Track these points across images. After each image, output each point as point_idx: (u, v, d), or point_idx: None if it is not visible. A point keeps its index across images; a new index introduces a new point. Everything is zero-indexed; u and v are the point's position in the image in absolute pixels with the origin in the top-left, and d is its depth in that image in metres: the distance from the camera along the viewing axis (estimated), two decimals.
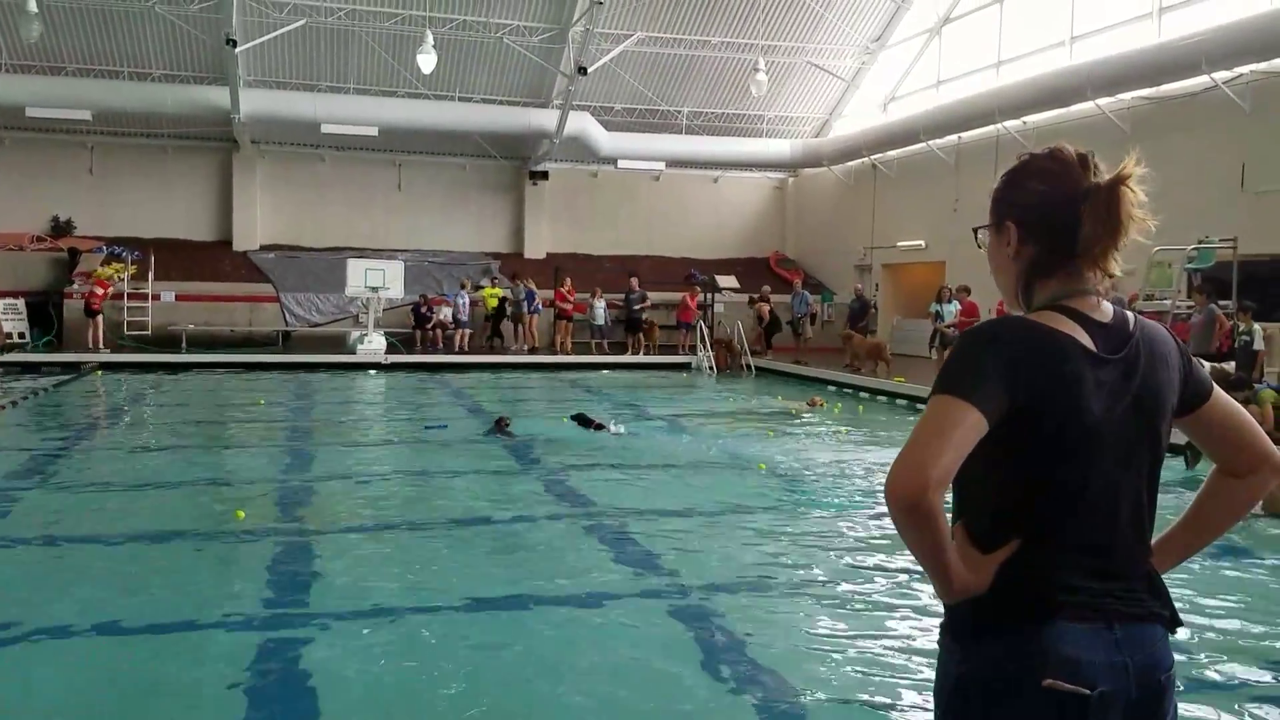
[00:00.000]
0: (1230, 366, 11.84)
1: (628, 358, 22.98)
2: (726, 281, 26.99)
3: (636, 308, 23.49)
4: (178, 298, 23.14)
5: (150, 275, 22.72)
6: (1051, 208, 1.84)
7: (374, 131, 23.74)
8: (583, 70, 22.00)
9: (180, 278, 23.53)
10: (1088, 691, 1.71)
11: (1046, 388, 1.74)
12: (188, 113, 23.35)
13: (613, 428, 12.24)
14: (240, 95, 22.16)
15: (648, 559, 6.74)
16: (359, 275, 21.77)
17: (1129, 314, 1.87)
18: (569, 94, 23.25)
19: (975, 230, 1.99)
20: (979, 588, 1.79)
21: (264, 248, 25.79)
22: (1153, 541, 1.93)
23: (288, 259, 25.14)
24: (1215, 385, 1.94)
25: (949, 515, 1.81)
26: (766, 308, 23.48)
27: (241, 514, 7.59)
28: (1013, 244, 1.89)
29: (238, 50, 20.62)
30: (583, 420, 12.37)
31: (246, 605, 5.56)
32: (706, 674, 4.76)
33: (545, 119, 24.54)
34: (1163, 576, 1.91)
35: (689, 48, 25.13)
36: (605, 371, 21.47)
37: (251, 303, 23.79)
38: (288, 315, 23.48)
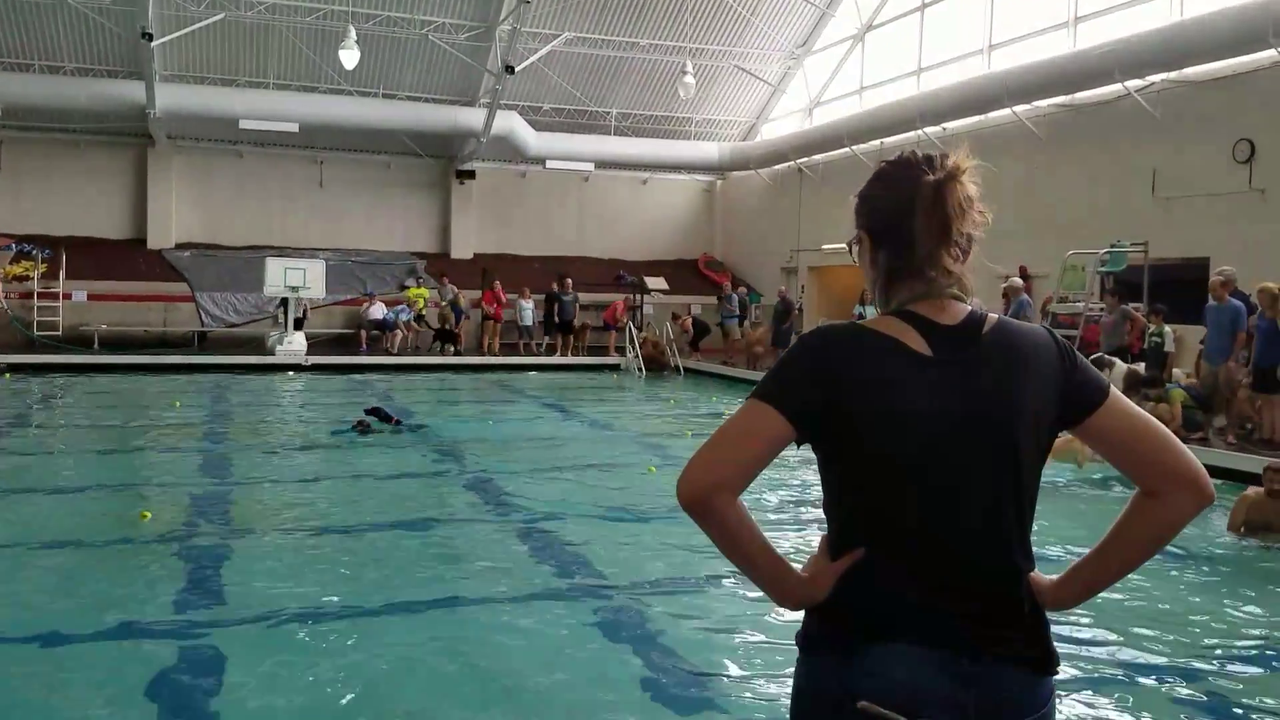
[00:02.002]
0: (1141, 367, 12.16)
1: (556, 359, 22.87)
2: (655, 283, 27.03)
3: (569, 311, 23.37)
4: (90, 297, 22.39)
5: (61, 274, 21.95)
6: (890, 212, 1.76)
7: (294, 128, 23.26)
8: (510, 69, 21.84)
9: (93, 276, 22.76)
10: (902, 719, 1.58)
11: (863, 395, 1.64)
12: (101, 107, 22.61)
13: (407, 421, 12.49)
14: (156, 90, 21.51)
15: (569, 558, 6.71)
16: (278, 275, 21.28)
17: (992, 316, 1.74)
18: (496, 93, 23.06)
19: (849, 244, 1.91)
20: (814, 598, 1.72)
21: (180, 246, 25.09)
22: (1059, 573, 1.78)
23: (204, 258, 24.49)
24: (1115, 393, 1.73)
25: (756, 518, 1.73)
26: (688, 320, 23.71)
27: (147, 515, 7.36)
28: (868, 252, 1.82)
29: (154, 44, 20.04)
30: (381, 415, 12.40)
31: (157, 611, 5.40)
32: (631, 670, 4.76)
33: (472, 118, 24.31)
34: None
35: (617, 49, 25.11)
36: (533, 373, 21.35)
37: (166, 302, 23.13)
38: (204, 315, 22.87)
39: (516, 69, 22.04)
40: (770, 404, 1.66)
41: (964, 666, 1.63)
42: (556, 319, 23.37)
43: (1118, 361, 11.78)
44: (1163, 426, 1.73)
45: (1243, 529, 7.40)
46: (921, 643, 1.63)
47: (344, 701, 4.30)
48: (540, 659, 4.84)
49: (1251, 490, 7.61)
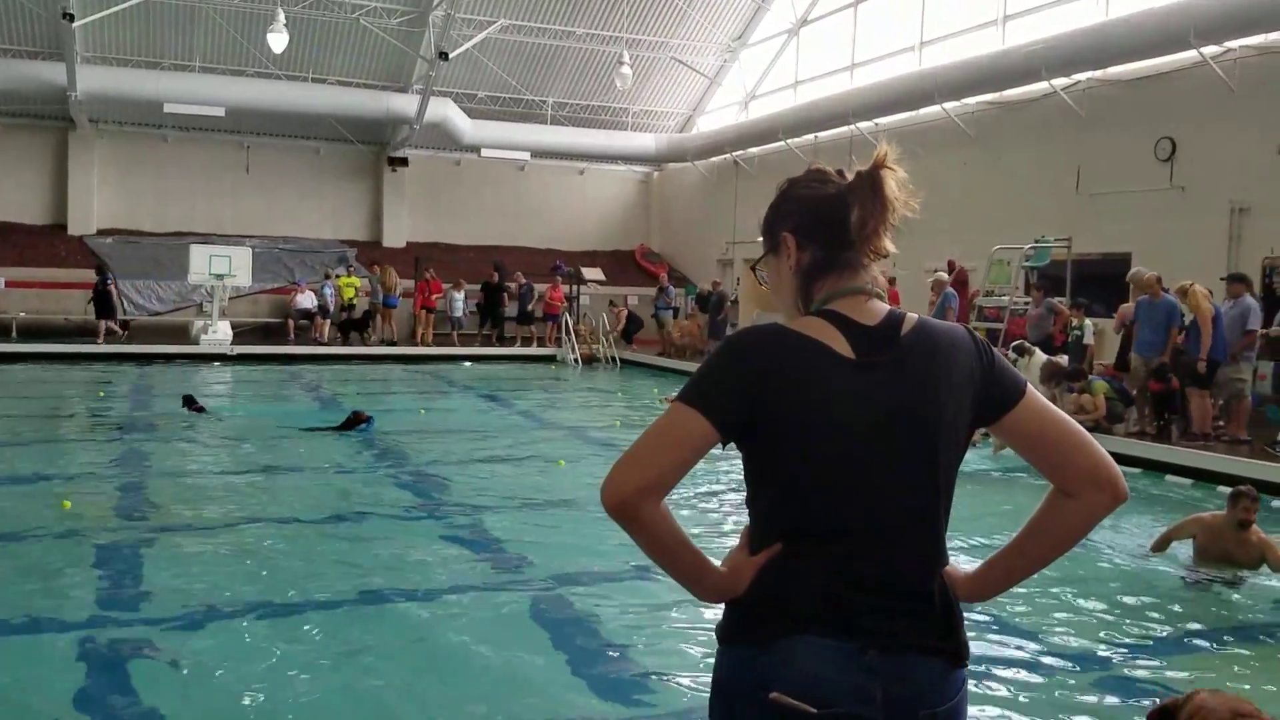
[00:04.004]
0: (1064, 360, 12.43)
1: (493, 350, 22.70)
2: (592, 274, 26.94)
3: (527, 300, 23.20)
4: (7, 284, 21.70)
5: None
6: (822, 204, 1.80)
7: (221, 112, 22.70)
8: (444, 55, 21.56)
9: (10, 263, 22.09)
10: (813, 710, 1.61)
11: (787, 397, 1.66)
12: (20, 89, 21.82)
13: (211, 410, 12.54)
14: (77, 72, 20.85)
15: (495, 550, 6.67)
16: (203, 262, 20.78)
17: (911, 316, 1.77)
18: (429, 79, 22.75)
19: (753, 269, 1.93)
20: (733, 591, 1.74)
21: (101, 232, 24.40)
22: (975, 565, 1.83)
23: (127, 244, 23.84)
24: (1031, 392, 1.76)
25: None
26: (624, 311, 23.68)
27: (68, 503, 7.18)
28: (792, 254, 1.82)
29: (75, 25, 19.42)
30: (188, 401, 12.44)
31: (75, 607, 5.26)
32: (557, 660, 4.76)
33: (405, 104, 23.96)
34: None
35: (553, 37, 24.95)
36: (468, 364, 21.16)
37: (88, 290, 22.43)
38: (126, 303, 22.27)
39: (451, 55, 21.78)
40: (695, 408, 1.67)
41: (873, 659, 1.65)
42: (513, 311, 23.21)
43: (1038, 350, 12.02)
44: (1078, 425, 1.76)
45: (1196, 558, 6.54)
46: (831, 635, 1.65)
47: (268, 697, 4.20)
48: (469, 649, 4.80)
49: (1209, 515, 6.74)
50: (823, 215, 1.79)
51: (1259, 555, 6.31)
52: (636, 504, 1.65)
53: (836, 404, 1.67)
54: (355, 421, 11.43)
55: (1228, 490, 9.27)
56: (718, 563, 1.79)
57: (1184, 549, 6.76)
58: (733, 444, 1.73)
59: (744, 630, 1.72)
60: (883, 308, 1.77)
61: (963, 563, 1.87)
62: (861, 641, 1.65)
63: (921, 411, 1.69)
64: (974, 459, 9.70)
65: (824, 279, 1.79)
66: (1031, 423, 1.74)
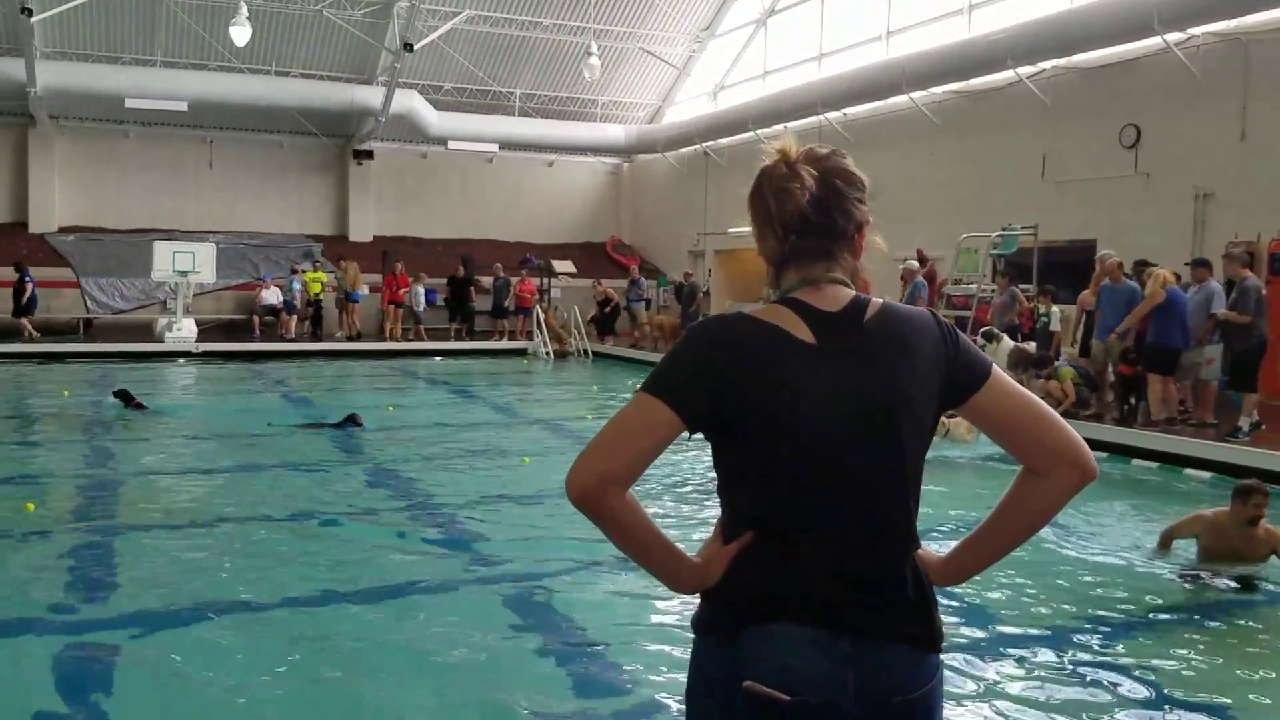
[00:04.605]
0: (1031, 347, 12.51)
1: (463, 344, 22.57)
2: (563, 266, 26.84)
3: (503, 295, 23.11)
4: None
5: None
6: (776, 195, 1.77)
7: (183, 107, 22.40)
8: (409, 47, 21.36)
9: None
10: (786, 699, 1.62)
11: (750, 384, 1.66)
12: None
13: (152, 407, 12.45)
14: (36, 67, 20.51)
15: (472, 547, 6.62)
16: (166, 258, 20.47)
17: (876, 301, 1.76)
18: (394, 71, 22.55)
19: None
20: (706, 582, 1.75)
21: (63, 230, 24.02)
22: (946, 548, 1.83)
23: (89, 241, 23.48)
24: (997, 373, 1.75)
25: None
26: (608, 290, 23.71)
27: (30, 506, 7.06)
28: (760, 242, 1.82)
29: (33, 19, 19.10)
30: (124, 396, 12.34)
31: (44, 609, 5.19)
32: (536, 654, 4.75)
33: (370, 96, 23.73)
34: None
35: (520, 28, 24.80)
36: (438, 359, 21.02)
37: (49, 288, 22.06)
38: (89, 302, 21.93)
39: (416, 47, 21.59)
40: (659, 398, 1.68)
41: (844, 646, 1.65)
42: (485, 305, 23.12)
43: (1005, 337, 12.09)
44: (1044, 405, 1.75)
45: (1201, 557, 6.20)
46: (803, 623, 1.66)
47: (241, 698, 4.14)
48: (448, 645, 4.78)
49: (1210, 512, 6.37)
50: (781, 212, 1.77)
51: (1269, 550, 6.04)
52: (599, 494, 1.65)
53: (796, 390, 1.67)
54: (350, 422, 11.32)
55: (1194, 473, 9.51)
56: (692, 554, 1.78)
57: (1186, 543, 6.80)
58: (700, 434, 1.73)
59: (717, 620, 1.73)
60: (847, 294, 1.76)
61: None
62: (834, 629, 1.66)
63: (885, 395, 1.68)
64: (946, 446, 9.74)
65: (788, 268, 1.79)
66: (998, 404, 1.74)
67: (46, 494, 7.93)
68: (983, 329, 12.51)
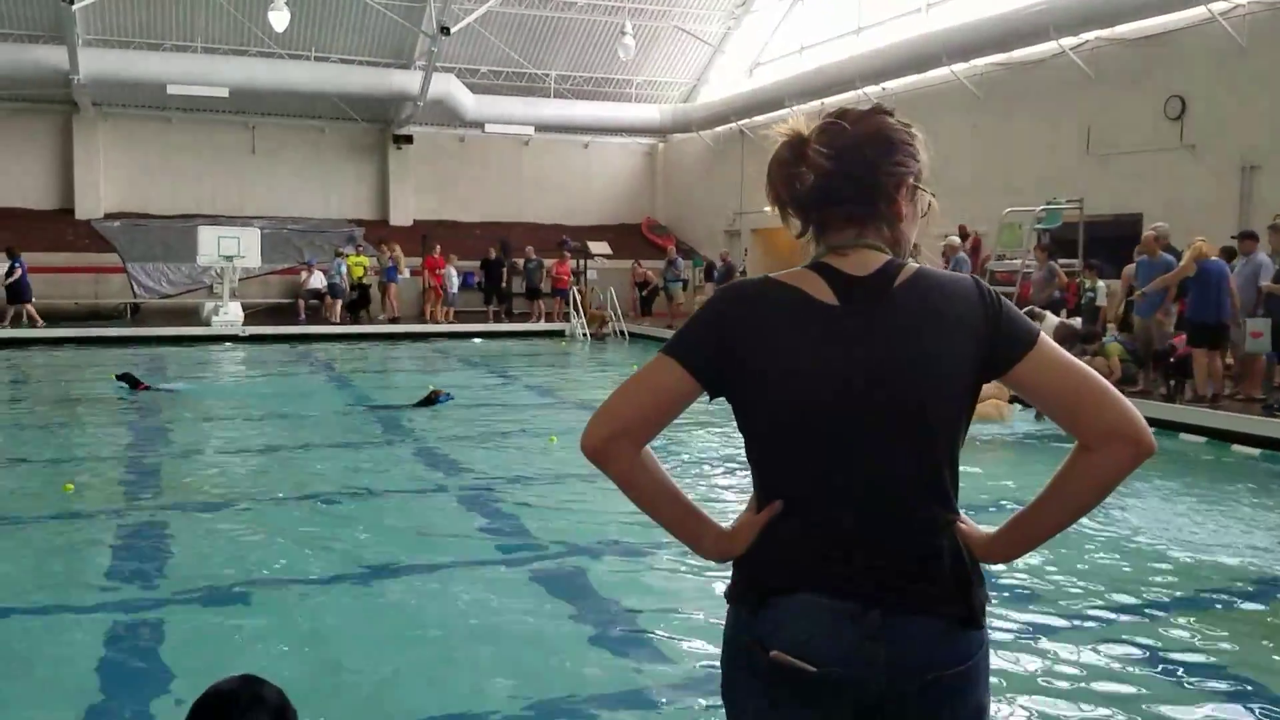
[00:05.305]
0: (1078, 322, 12.37)
1: (502, 326, 22.71)
2: (599, 248, 26.88)
3: (536, 277, 23.22)
4: None
5: None
6: (775, 181, 1.76)
7: (224, 93, 22.64)
8: (445, 30, 21.43)
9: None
10: (812, 669, 1.61)
11: (765, 348, 1.65)
12: (22, 74, 21.73)
13: (164, 386, 12.81)
14: (79, 55, 20.83)
15: (513, 524, 6.69)
16: (211, 243, 20.78)
17: (911, 266, 1.69)
18: (432, 55, 22.62)
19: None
20: (732, 551, 1.74)
21: (109, 216, 24.43)
22: (995, 526, 1.73)
23: (135, 227, 23.87)
24: (1044, 341, 1.66)
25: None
26: (646, 273, 23.70)
27: (70, 487, 7.22)
28: (786, 225, 1.80)
29: (75, 7, 19.34)
30: (129, 380, 12.52)
31: (97, 587, 5.30)
32: (575, 628, 4.79)
33: (408, 80, 23.85)
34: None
35: (555, 9, 24.77)
36: (478, 340, 21.17)
37: (97, 274, 22.55)
38: (136, 286, 22.34)
39: (452, 30, 21.64)
40: (674, 357, 1.69)
41: (874, 619, 1.62)
42: (520, 287, 23.25)
43: (1049, 314, 11.96)
44: (1098, 376, 1.66)
45: None
46: (827, 594, 1.63)
47: (294, 671, 4.22)
48: (489, 621, 4.83)
49: None
50: (812, 181, 1.73)
51: None
52: (608, 449, 1.68)
53: (816, 354, 1.64)
54: (432, 399, 11.47)
55: (1241, 448, 9.37)
56: (728, 524, 1.78)
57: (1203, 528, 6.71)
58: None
59: (745, 589, 1.72)
60: (879, 258, 1.70)
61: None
62: (863, 601, 1.62)
63: (911, 361, 1.63)
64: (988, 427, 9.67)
65: (823, 235, 1.76)
66: (1044, 374, 1.64)
67: (93, 473, 8.11)
68: (1025, 309, 12.37)
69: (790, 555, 1.67)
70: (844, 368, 1.63)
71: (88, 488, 7.57)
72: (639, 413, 1.68)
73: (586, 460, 1.69)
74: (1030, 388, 1.67)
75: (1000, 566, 5.77)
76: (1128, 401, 1.61)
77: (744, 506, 1.80)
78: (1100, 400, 1.60)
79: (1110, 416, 1.59)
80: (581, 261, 24.64)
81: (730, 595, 1.76)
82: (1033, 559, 5.97)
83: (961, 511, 1.73)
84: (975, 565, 1.72)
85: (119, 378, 12.70)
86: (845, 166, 1.69)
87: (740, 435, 1.75)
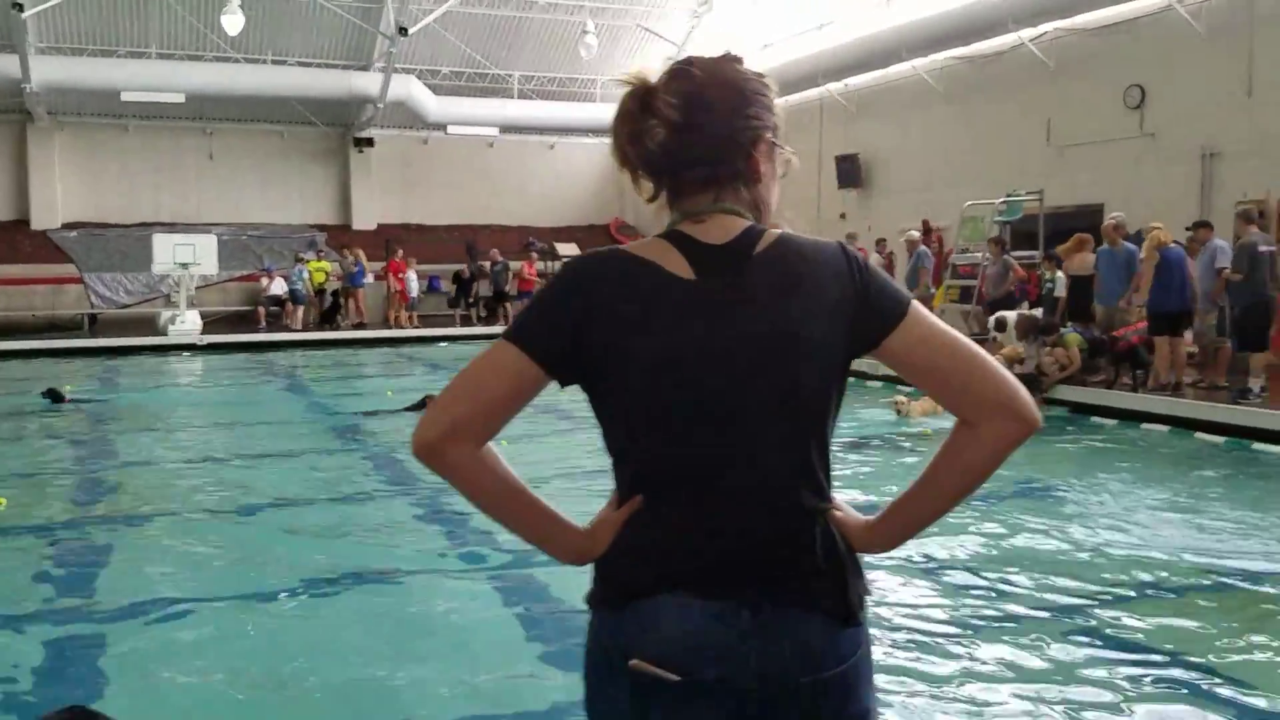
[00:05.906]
0: (1039, 314, 12.34)
1: (469, 330, 22.51)
2: (567, 249, 26.68)
3: (502, 280, 23.08)
4: None
5: None
6: (620, 138, 1.61)
7: (180, 98, 22.32)
8: (403, 31, 21.22)
9: None
10: (675, 679, 1.45)
11: (616, 327, 1.49)
12: None
13: (85, 398, 12.57)
14: (31, 63, 20.43)
15: (473, 531, 6.54)
16: (167, 251, 20.46)
17: (773, 232, 1.55)
18: (391, 56, 22.39)
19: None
20: (591, 552, 1.58)
21: (66, 226, 23.99)
22: (872, 513, 1.59)
23: (92, 237, 23.50)
24: (917, 310, 1.53)
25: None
26: None
27: (3, 501, 7.02)
28: (637, 189, 1.65)
29: (25, 14, 19.03)
30: (53, 395, 12.33)
31: (38, 602, 5.15)
32: (540, 640, 4.68)
33: (367, 82, 23.57)
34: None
35: (515, 9, 24.60)
36: (444, 345, 20.95)
37: (53, 285, 22.15)
38: (93, 297, 21.98)
39: (410, 31, 21.43)
40: (514, 342, 1.52)
41: (744, 618, 1.48)
42: (487, 290, 23.12)
43: (1009, 315, 11.95)
44: (976, 346, 1.52)
45: None
46: (693, 594, 1.49)
47: (243, 685, 4.09)
48: (447, 630, 4.75)
49: None
50: (635, 149, 1.61)
51: None
52: (442, 447, 1.50)
53: (668, 329, 1.49)
54: (423, 406, 11.27)
55: (1206, 437, 9.34)
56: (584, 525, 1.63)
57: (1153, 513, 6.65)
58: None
59: (605, 592, 1.56)
60: (739, 224, 1.55)
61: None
62: (728, 600, 1.48)
63: (773, 336, 1.49)
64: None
65: (677, 200, 1.61)
66: (917, 346, 1.51)
67: (46, 487, 7.88)
68: (994, 317, 12.35)
69: (653, 553, 1.52)
70: (705, 346, 1.48)
71: (19, 504, 7.35)
72: (477, 407, 1.51)
73: (415, 456, 1.51)
74: (904, 362, 1.53)
75: (949, 554, 5.71)
76: (1009, 373, 1.50)
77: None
78: (979, 373, 1.47)
79: (989, 389, 1.46)
80: (549, 263, 24.48)
81: (591, 599, 1.60)
82: (987, 550, 5.89)
83: (835, 497, 1.58)
84: (852, 556, 1.57)
85: (44, 394, 12.40)
86: (697, 118, 1.54)
87: (598, 425, 1.59)
